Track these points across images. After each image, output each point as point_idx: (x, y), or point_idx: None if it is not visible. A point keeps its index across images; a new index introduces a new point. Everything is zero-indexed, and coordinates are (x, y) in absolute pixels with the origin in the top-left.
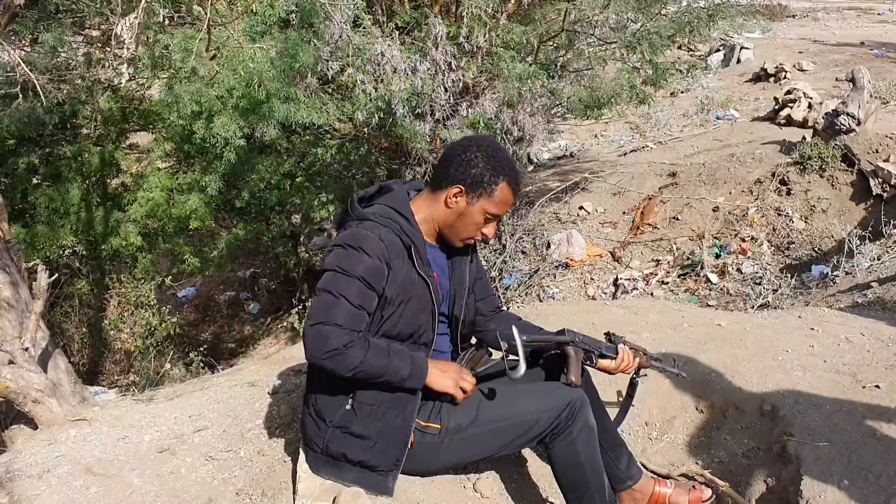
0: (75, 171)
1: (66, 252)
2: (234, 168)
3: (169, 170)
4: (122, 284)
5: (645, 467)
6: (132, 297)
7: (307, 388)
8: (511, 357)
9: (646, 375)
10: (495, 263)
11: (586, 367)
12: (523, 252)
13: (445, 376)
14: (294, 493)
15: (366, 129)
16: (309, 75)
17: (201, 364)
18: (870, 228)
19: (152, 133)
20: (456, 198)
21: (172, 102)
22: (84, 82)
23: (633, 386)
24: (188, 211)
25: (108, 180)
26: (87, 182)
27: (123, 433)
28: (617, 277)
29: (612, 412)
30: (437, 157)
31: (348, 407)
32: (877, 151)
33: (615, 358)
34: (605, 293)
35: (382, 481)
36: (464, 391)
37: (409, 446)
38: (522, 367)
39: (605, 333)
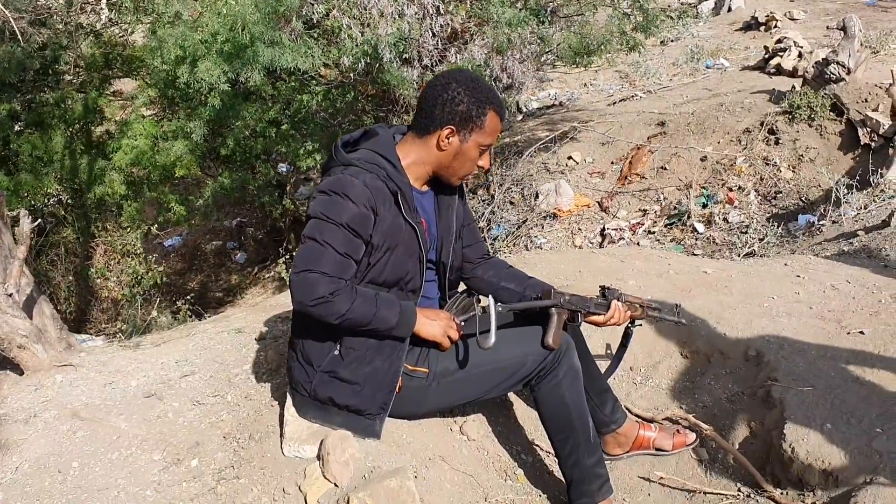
0: (58, 118)
1: (51, 200)
2: (218, 114)
3: (154, 117)
4: (108, 233)
5: (630, 411)
6: (118, 245)
7: (293, 334)
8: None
9: (640, 325)
10: (483, 214)
11: (580, 321)
12: (511, 202)
13: (433, 324)
14: (281, 436)
15: (352, 75)
16: (294, 19)
17: (188, 313)
18: (857, 177)
19: (136, 79)
20: (448, 139)
21: (156, 47)
22: (66, 27)
23: (626, 336)
24: (173, 158)
25: (93, 128)
26: (70, 129)
27: (110, 378)
28: (604, 227)
29: (601, 364)
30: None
31: (336, 352)
32: (866, 101)
33: (604, 314)
34: (592, 243)
35: (370, 425)
36: (451, 339)
37: (396, 391)
38: (492, 339)
39: (600, 287)
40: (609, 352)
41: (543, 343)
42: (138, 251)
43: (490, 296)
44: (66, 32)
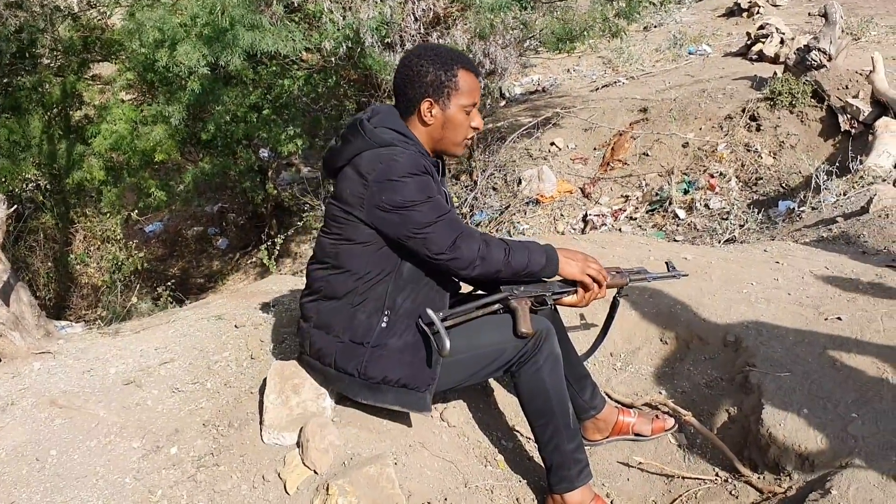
0: (36, 102)
1: (30, 186)
2: (198, 99)
3: (133, 101)
4: (87, 219)
5: (609, 397)
6: (98, 231)
7: (332, 319)
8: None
9: (626, 294)
10: (466, 200)
11: (549, 303)
12: (494, 188)
13: (575, 264)
14: (261, 423)
15: (333, 60)
16: (274, 2)
17: (169, 299)
18: (837, 164)
19: (115, 63)
20: (430, 112)
21: (134, 30)
22: (43, 9)
23: (613, 307)
24: (153, 143)
25: (71, 112)
26: (48, 114)
27: (88, 366)
28: (586, 213)
29: (575, 336)
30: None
31: (384, 325)
32: (846, 88)
33: (575, 292)
34: (574, 229)
35: (421, 398)
36: (595, 280)
37: (440, 362)
38: (447, 345)
39: None
40: (584, 322)
41: (516, 333)
42: (118, 237)
43: (427, 309)
44: (43, 15)
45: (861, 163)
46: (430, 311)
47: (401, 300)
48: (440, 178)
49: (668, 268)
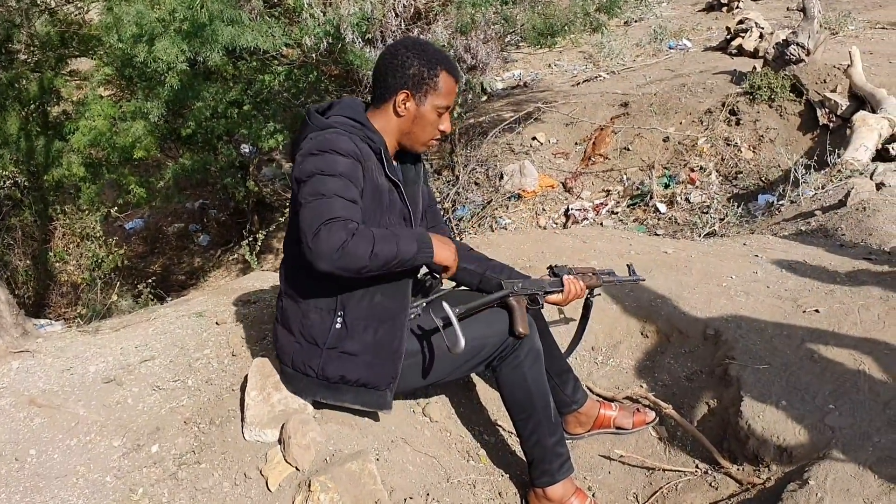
0: (13, 98)
1: (7, 182)
2: (177, 95)
3: (112, 97)
4: (66, 216)
5: (591, 391)
6: (77, 228)
7: (291, 317)
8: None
9: (599, 294)
10: (449, 195)
11: (540, 303)
12: (476, 183)
13: (446, 248)
14: (242, 420)
15: (314, 55)
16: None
17: (150, 296)
18: (815, 158)
19: (93, 59)
20: (405, 104)
21: (112, 24)
22: (19, 4)
23: (587, 307)
24: (132, 139)
25: (49, 108)
26: (25, 110)
27: (68, 364)
28: (568, 208)
29: (556, 331)
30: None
31: (339, 325)
32: (825, 82)
33: (561, 291)
34: (556, 223)
35: (381, 396)
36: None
37: (402, 359)
38: (461, 342)
39: (548, 268)
40: (563, 316)
41: (513, 332)
42: (98, 234)
43: (443, 302)
44: (19, 10)
45: (839, 157)
46: (446, 306)
47: (354, 301)
48: (417, 174)
49: (630, 271)
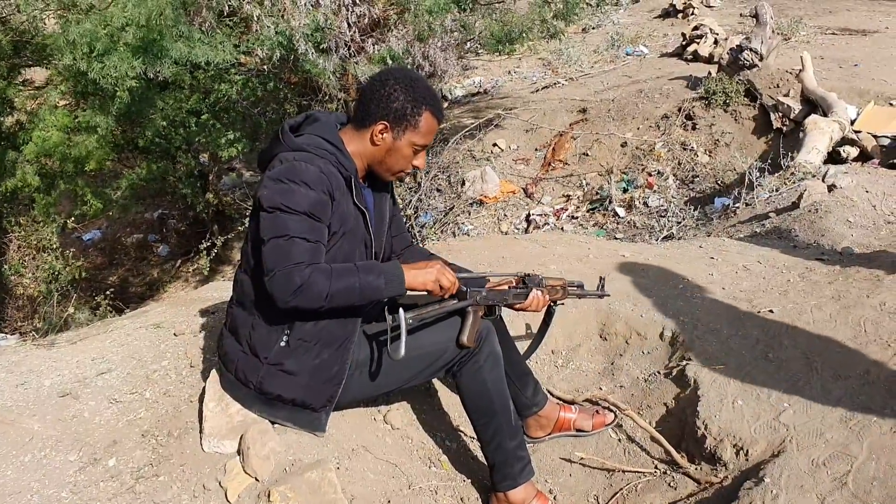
0: None
1: None
2: (129, 108)
3: (67, 107)
4: (21, 227)
5: (551, 394)
6: (33, 240)
7: (237, 324)
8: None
9: (562, 304)
10: (411, 202)
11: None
12: (438, 190)
13: (424, 272)
14: (201, 432)
15: (267, 67)
16: (204, 10)
17: (109, 308)
18: (769, 161)
19: (47, 68)
20: (382, 134)
21: (66, 46)
22: None
23: (548, 315)
24: (85, 151)
25: (2, 118)
26: None
27: (22, 378)
28: (529, 213)
29: (521, 345)
30: (350, 94)
31: (283, 343)
32: (777, 86)
33: (525, 297)
34: (517, 229)
35: (316, 418)
36: (442, 287)
37: (342, 383)
38: (402, 350)
39: (521, 275)
40: (530, 331)
41: (458, 342)
42: (54, 246)
43: (401, 307)
44: None
45: (792, 159)
46: (402, 313)
47: (302, 321)
48: (384, 198)
49: (600, 286)
